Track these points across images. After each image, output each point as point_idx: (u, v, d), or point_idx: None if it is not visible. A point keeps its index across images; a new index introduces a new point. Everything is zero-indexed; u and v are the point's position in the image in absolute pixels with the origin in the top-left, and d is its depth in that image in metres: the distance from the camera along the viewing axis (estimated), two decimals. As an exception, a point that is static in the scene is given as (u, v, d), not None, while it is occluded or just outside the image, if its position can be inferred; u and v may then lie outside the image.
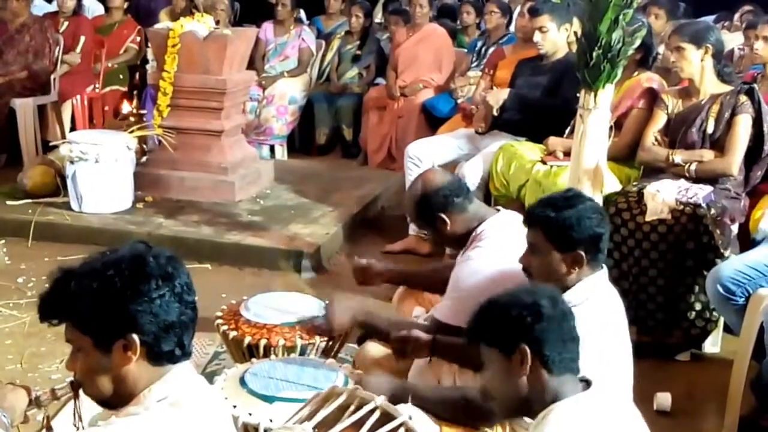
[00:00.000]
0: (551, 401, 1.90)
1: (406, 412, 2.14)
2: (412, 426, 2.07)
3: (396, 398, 2.45)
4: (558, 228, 2.48)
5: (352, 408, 2.10)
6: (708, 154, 3.97)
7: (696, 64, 4.01)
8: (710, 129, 3.99)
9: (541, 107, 4.91)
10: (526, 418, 2.17)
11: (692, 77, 4.06)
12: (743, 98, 3.95)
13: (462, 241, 3.01)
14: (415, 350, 2.80)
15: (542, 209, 2.55)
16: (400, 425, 2.07)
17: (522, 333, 1.92)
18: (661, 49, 5.28)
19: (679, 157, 4.00)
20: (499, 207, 3.28)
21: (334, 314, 3.04)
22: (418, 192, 3.05)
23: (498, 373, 1.97)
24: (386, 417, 2.08)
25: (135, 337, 1.68)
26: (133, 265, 1.69)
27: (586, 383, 1.97)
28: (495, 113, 4.99)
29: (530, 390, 1.93)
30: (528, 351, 1.91)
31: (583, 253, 2.46)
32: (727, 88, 4.03)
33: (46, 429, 2.01)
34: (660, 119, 4.17)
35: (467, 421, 2.44)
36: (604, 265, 2.57)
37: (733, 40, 6.08)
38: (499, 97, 4.99)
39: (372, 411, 2.08)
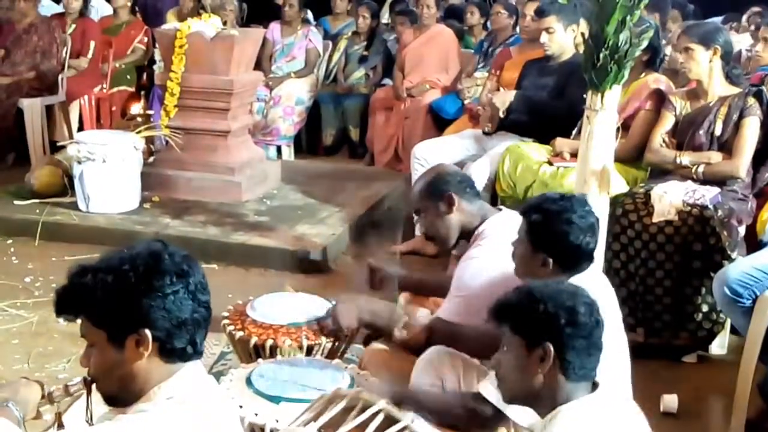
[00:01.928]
0: (560, 403, 1.89)
1: (409, 416, 2.15)
2: (416, 429, 2.08)
3: (397, 404, 2.46)
4: (527, 231, 2.59)
5: (355, 411, 2.11)
6: (716, 156, 3.96)
7: (704, 65, 4.00)
8: (718, 131, 3.98)
9: (547, 109, 4.91)
10: (529, 425, 2.17)
11: (700, 78, 4.05)
12: (751, 100, 3.94)
13: (462, 236, 3.01)
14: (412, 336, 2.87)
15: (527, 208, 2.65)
16: (404, 428, 2.07)
17: (551, 332, 1.89)
18: (668, 50, 5.27)
19: (686, 158, 3.99)
20: (502, 207, 3.28)
21: (340, 314, 3.04)
22: (433, 172, 3.10)
23: (514, 361, 1.94)
24: (390, 420, 2.08)
25: (147, 332, 1.69)
26: (149, 261, 1.71)
27: (593, 385, 1.96)
28: (501, 114, 4.99)
29: (542, 388, 1.91)
30: (552, 351, 1.88)
31: (549, 258, 2.53)
32: (735, 89, 4.02)
33: (58, 425, 2.01)
34: (667, 121, 4.16)
35: (469, 427, 2.44)
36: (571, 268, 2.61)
37: (740, 42, 6.06)
38: (505, 98, 5.00)
39: (375, 414, 2.09)
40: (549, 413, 1.90)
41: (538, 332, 1.90)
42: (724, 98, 4.00)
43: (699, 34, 4.02)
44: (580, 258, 2.54)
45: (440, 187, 3.00)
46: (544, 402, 1.92)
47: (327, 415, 2.10)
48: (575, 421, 1.86)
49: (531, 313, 1.91)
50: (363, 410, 2.10)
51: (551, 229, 2.52)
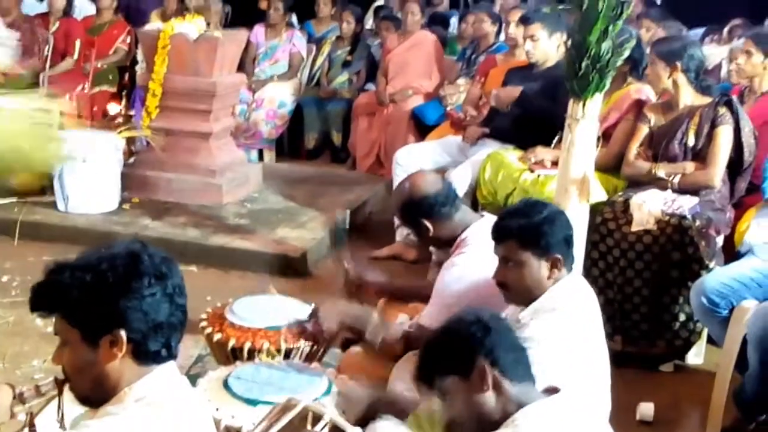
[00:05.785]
0: (516, 410, 1.89)
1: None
2: None
3: (375, 409, 2.46)
4: (532, 234, 2.51)
5: (308, 421, 2.15)
6: (690, 167, 3.99)
7: (665, 80, 4.05)
8: (691, 142, 4.00)
9: (544, 113, 4.90)
10: None
11: (667, 90, 4.10)
12: (722, 110, 3.96)
13: (446, 244, 3.03)
14: (389, 346, 2.87)
15: (511, 220, 2.56)
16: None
17: (475, 348, 1.92)
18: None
19: (662, 170, 4.01)
20: (484, 213, 3.29)
21: (322, 317, 3.04)
22: (404, 196, 3.07)
23: (461, 400, 1.94)
24: (336, 429, 2.12)
25: (122, 333, 1.68)
26: (128, 261, 1.70)
27: (554, 391, 1.97)
28: (506, 109, 4.98)
29: (496, 403, 1.91)
30: (486, 364, 1.90)
31: (560, 256, 2.50)
32: (706, 99, 4.04)
33: (29, 426, 1.99)
34: (642, 133, 4.18)
35: None
36: (572, 267, 2.61)
37: (721, 54, 6.10)
38: (512, 93, 4.98)
39: (324, 425, 2.13)
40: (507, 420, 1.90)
41: (465, 357, 1.93)
42: (695, 109, 4.02)
43: (662, 52, 4.08)
44: (571, 248, 2.56)
45: (414, 216, 3.06)
46: (503, 417, 1.91)
47: (278, 425, 2.13)
48: (534, 420, 1.85)
49: (448, 348, 1.98)
50: (315, 421, 2.13)
51: (544, 229, 2.51)
